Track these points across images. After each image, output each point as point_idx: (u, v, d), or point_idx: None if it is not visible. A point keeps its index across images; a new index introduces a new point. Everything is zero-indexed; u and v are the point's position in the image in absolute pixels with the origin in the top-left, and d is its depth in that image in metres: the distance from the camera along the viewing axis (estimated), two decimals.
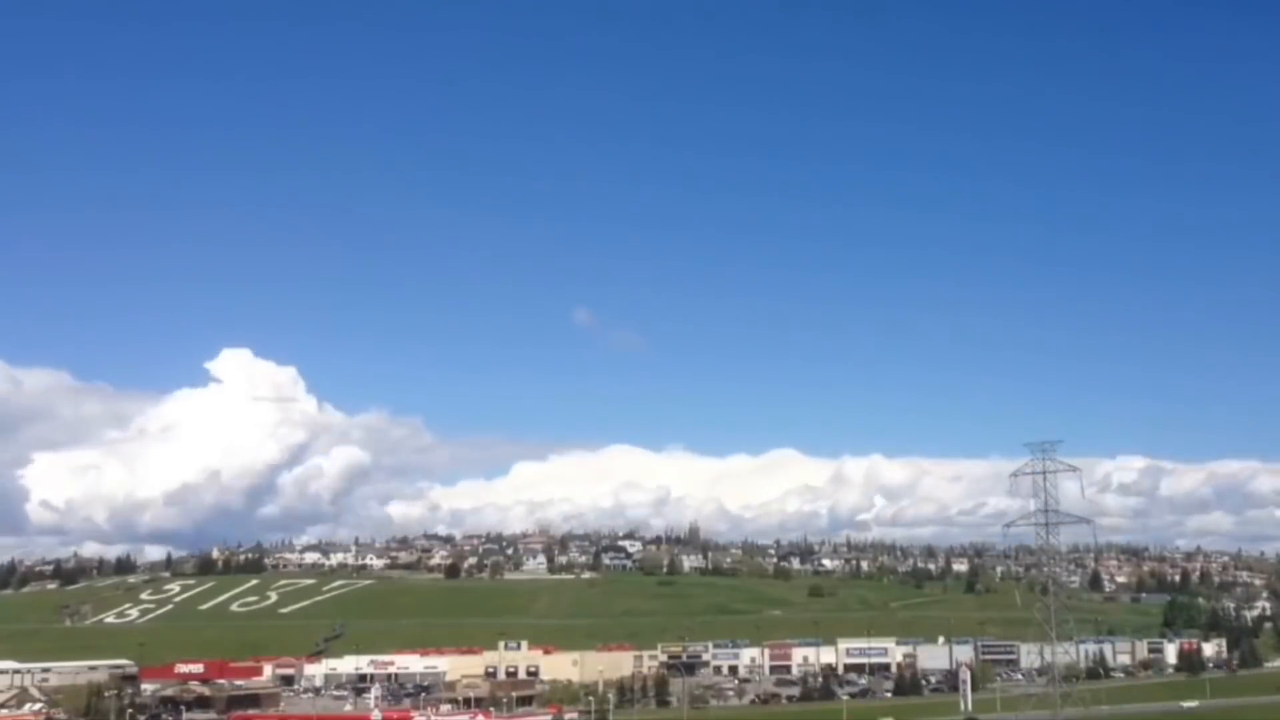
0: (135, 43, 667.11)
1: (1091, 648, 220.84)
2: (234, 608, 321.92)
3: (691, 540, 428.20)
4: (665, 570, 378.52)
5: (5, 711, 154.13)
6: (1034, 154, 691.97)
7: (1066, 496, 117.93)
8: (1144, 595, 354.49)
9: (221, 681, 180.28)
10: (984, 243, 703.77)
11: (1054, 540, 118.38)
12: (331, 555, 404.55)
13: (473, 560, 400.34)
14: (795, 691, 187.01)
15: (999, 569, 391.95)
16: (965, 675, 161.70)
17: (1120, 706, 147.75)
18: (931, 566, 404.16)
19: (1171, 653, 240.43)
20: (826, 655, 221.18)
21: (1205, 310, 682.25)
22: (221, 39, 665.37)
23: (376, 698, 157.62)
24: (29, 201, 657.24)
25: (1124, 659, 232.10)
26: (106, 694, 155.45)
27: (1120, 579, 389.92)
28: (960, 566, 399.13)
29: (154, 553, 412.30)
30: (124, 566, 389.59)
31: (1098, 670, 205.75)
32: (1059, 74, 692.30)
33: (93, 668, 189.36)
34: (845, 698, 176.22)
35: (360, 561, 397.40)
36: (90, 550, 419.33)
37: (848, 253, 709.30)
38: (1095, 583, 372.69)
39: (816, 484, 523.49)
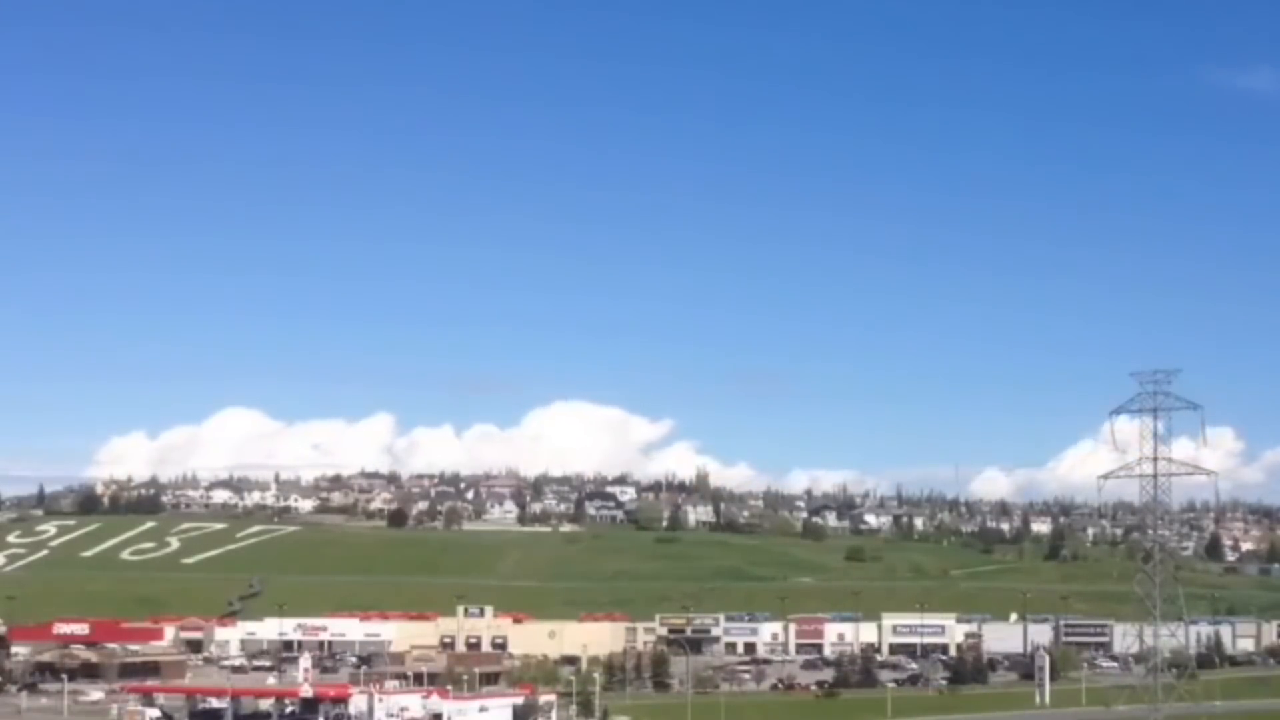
0: None
1: (1206, 630, 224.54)
2: (125, 555, 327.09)
3: (699, 488, 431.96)
4: (665, 524, 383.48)
5: None
6: None
7: (1181, 441, 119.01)
8: (1276, 566, 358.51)
9: (112, 646, 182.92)
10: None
11: (1164, 496, 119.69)
12: (246, 494, 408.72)
13: (423, 505, 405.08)
14: (828, 676, 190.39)
15: (1090, 531, 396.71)
16: (1043, 661, 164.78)
17: (1236, 702, 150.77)
18: (1004, 526, 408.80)
19: None
20: (867, 633, 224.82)
21: None
22: None
23: (306, 670, 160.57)
24: None
25: (1247, 644, 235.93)
26: None
27: (1247, 545, 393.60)
28: (1041, 527, 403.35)
29: (24, 486, 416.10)
30: None
31: (1212, 658, 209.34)
32: None
33: None
34: (891, 685, 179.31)
35: (283, 503, 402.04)
36: None
37: None
38: (1214, 549, 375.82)
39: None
